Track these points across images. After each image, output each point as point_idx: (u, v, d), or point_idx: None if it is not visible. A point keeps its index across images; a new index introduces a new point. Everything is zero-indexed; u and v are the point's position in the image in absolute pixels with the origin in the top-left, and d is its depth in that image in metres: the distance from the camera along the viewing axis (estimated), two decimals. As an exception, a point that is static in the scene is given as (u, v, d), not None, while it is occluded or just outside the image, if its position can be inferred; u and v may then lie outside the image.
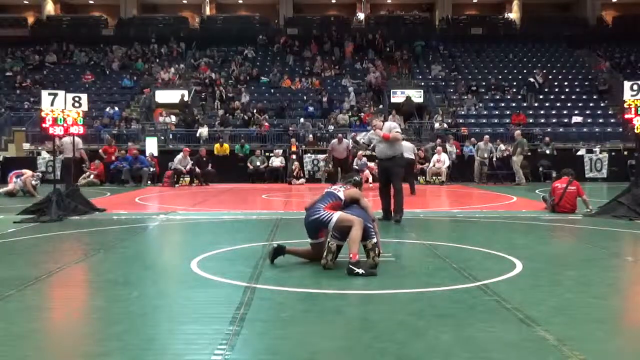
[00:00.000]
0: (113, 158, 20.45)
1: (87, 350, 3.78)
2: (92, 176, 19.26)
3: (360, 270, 5.77)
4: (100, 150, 21.00)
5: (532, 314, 4.37)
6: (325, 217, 6.14)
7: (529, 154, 20.28)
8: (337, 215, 6.11)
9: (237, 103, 26.73)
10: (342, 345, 3.84)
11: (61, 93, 10.95)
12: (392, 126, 10.15)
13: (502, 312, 4.52)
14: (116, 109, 26.50)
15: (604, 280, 5.80)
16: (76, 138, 14.11)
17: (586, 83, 29.37)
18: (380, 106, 27.21)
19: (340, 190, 6.43)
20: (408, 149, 15.67)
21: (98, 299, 5.08)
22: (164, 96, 27.83)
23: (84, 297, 5.40)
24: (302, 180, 20.14)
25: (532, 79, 28.04)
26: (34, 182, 15.31)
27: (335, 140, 19.25)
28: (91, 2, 39.44)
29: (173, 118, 25.90)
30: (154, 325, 4.35)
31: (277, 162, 20.90)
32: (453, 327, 4.14)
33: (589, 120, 25.72)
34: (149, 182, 19.62)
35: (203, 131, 24.32)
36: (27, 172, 15.55)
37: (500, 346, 3.77)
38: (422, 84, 29.11)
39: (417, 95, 27.51)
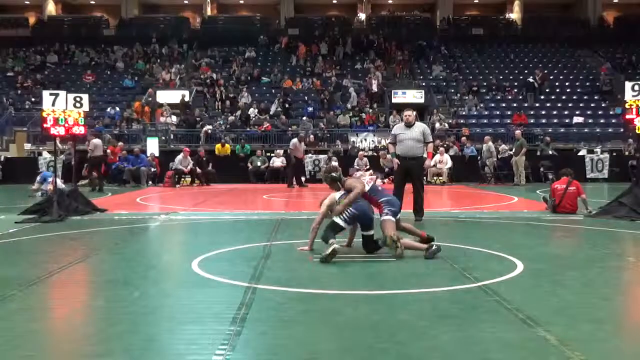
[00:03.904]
0: (114, 158, 20.47)
1: (88, 350, 3.78)
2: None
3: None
4: (108, 151, 20.99)
5: (533, 315, 4.37)
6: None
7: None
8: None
9: (239, 104, 26.76)
10: (342, 345, 3.84)
11: (62, 93, 10.96)
12: (427, 131, 9.84)
13: (503, 312, 4.52)
14: (117, 109, 26.51)
15: (605, 280, 5.80)
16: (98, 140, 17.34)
17: (587, 83, 29.37)
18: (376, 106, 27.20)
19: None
20: None
21: (99, 299, 5.09)
22: (164, 96, 27.84)
23: (85, 297, 5.41)
24: (302, 179, 20.09)
25: (530, 79, 28.08)
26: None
27: (295, 140, 19.24)
28: (92, 2, 39.46)
29: (174, 118, 25.91)
30: (155, 325, 4.35)
31: (277, 162, 20.90)
32: (454, 327, 4.14)
33: (590, 121, 25.72)
34: (150, 182, 19.64)
35: (208, 128, 24.44)
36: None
37: (501, 346, 3.77)
38: (423, 84, 29.11)
39: (418, 96, 27.54)
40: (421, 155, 9.77)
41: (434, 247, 6.59)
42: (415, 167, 9.70)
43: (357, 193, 6.67)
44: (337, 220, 6.62)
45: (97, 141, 17.21)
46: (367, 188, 6.91)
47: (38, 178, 15.60)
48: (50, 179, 15.04)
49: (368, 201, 6.91)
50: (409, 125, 9.72)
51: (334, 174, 7.12)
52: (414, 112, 10.27)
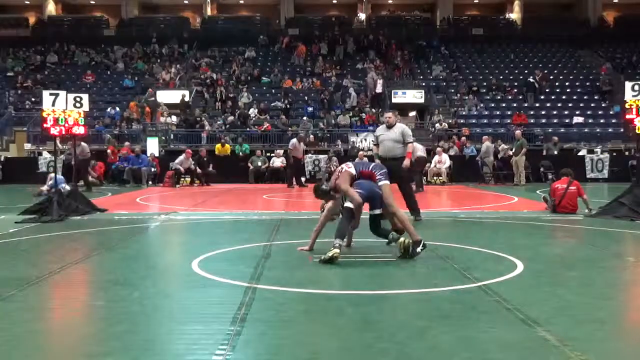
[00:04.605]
0: (115, 158, 20.48)
1: (88, 350, 3.78)
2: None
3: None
4: (108, 151, 21.03)
5: (533, 315, 4.36)
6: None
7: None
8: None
9: (239, 103, 26.75)
10: (342, 345, 3.84)
11: (62, 93, 10.97)
12: (406, 132, 9.94)
13: (503, 312, 4.51)
14: (117, 109, 26.52)
15: (605, 280, 5.80)
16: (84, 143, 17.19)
17: (587, 83, 29.37)
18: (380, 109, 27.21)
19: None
20: (420, 148, 16.41)
21: (99, 299, 5.08)
22: (164, 96, 27.83)
23: (85, 297, 5.41)
24: (302, 179, 20.08)
25: (530, 79, 28.10)
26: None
27: (295, 140, 19.22)
28: (92, 2, 39.47)
29: (174, 118, 25.91)
30: (155, 325, 4.35)
31: (277, 162, 20.90)
32: (454, 327, 4.14)
33: (590, 121, 25.73)
34: (150, 182, 19.64)
35: (209, 128, 24.50)
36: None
37: (501, 347, 3.77)
38: (423, 84, 29.12)
39: (418, 96, 27.55)
40: (402, 156, 9.84)
41: (419, 249, 6.50)
42: (396, 168, 9.79)
43: (348, 191, 6.58)
44: (347, 204, 6.57)
45: (84, 144, 17.32)
46: (353, 171, 6.80)
47: (51, 182, 15.53)
48: (62, 184, 15.10)
49: (365, 177, 6.82)
50: (389, 126, 9.89)
51: (322, 187, 7.02)
52: (396, 113, 10.40)
